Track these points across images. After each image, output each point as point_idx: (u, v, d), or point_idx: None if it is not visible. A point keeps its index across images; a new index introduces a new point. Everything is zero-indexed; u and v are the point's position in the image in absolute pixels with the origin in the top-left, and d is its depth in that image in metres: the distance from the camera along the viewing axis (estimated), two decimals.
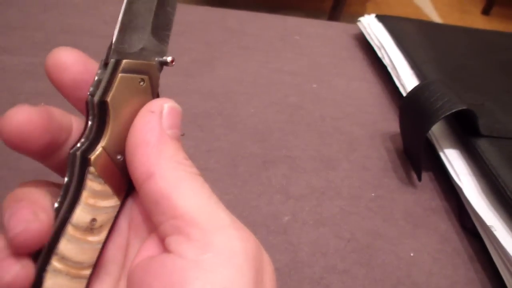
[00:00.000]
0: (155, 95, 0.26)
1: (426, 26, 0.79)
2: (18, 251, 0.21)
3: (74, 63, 0.25)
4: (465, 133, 0.52)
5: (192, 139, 0.52)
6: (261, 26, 0.79)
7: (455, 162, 0.51)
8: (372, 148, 0.57)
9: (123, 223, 0.26)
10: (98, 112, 0.24)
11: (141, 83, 0.25)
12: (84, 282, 0.23)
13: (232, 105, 0.58)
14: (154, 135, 0.24)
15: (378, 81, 0.70)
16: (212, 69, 0.64)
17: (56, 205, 0.23)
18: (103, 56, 0.25)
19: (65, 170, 0.23)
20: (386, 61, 0.69)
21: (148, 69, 0.26)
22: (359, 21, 0.79)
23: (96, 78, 0.24)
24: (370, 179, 0.52)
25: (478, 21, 2.95)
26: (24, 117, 0.22)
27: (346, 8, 2.42)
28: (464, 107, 0.49)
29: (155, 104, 0.25)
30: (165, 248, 0.23)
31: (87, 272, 0.23)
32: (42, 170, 0.44)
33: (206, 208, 0.23)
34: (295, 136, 0.56)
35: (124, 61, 0.25)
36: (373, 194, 0.50)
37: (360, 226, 0.47)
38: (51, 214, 0.22)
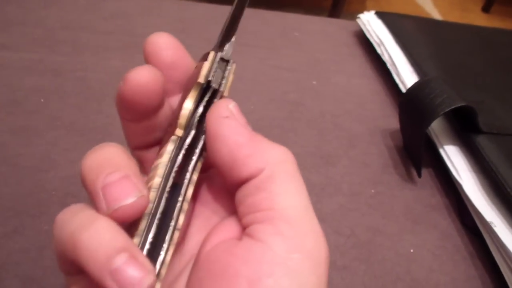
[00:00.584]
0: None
1: (426, 23, 0.78)
2: (112, 218, 0.21)
3: (171, 47, 0.27)
4: (465, 130, 0.52)
5: None
6: (261, 23, 0.79)
7: (455, 158, 0.51)
8: (372, 145, 0.57)
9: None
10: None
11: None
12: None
13: None
14: (244, 135, 0.24)
15: (377, 78, 0.70)
16: None
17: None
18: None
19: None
20: (385, 58, 0.69)
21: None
22: (359, 18, 0.79)
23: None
24: (370, 176, 0.52)
25: (478, 19, 2.95)
26: (152, 75, 0.24)
27: (346, 6, 2.42)
28: (464, 104, 0.48)
29: (223, 109, 0.24)
30: (247, 233, 0.23)
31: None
32: (42, 166, 0.45)
33: (303, 209, 0.23)
34: (294, 133, 0.56)
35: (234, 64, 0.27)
36: (373, 191, 0.50)
37: (360, 222, 0.47)
38: (147, 190, 0.22)
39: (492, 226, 0.43)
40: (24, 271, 0.36)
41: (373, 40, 0.73)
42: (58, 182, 0.43)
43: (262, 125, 0.55)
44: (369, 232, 0.46)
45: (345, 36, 0.81)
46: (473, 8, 3.15)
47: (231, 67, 0.26)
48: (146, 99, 0.24)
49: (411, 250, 0.45)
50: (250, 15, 0.79)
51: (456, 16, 2.90)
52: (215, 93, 0.26)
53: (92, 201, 0.22)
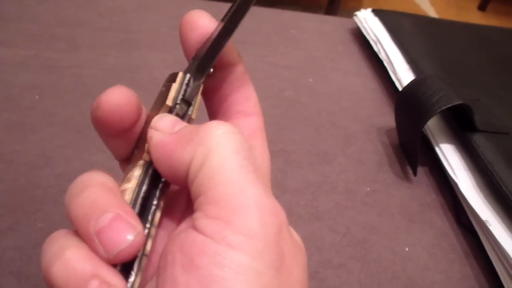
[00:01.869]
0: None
1: (423, 21, 0.78)
2: (113, 263, 0.21)
3: (205, 24, 0.27)
4: (461, 128, 0.52)
5: None
6: (258, 20, 0.78)
7: (450, 157, 0.51)
8: (368, 143, 0.57)
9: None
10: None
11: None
12: None
13: None
14: (165, 140, 0.23)
15: (374, 76, 0.70)
16: None
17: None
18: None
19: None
20: (382, 56, 0.69)
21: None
22: (356, 15, 0.79)
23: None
24: (365, 174, 0.52)
25: (474, 17, 2.95)
26: (124, 96, 0.24)
27: (342, 4, 2.42)
28: (460, 102, 0.48)
29: (149, 133, 0.24)
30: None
31: None
32: (37, 163, 0.44)
33: (233, 186, 0.21)
34: (291, 131, 0.56)
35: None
36: (368, 189, 0.50)
37: (356, 220, 0.47)
38: (139, 220, 0.22)
39: (488, 225, 0.43)
40: (19, 268, 0.36)
41: (370, 37, 0.73)
42: (53, 179, 0.43)
43: None
44: (364, 230, 0.46)
45: (342, 33, 0.81)
46: (469, 6, 3.16)
47: (199, 91, 0.26)
48: (119, 120, 0.24)
49: (407, 249, 0.45)
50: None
51: (452, 15, 2.90)
52: (183, 117, 0.25)
53: (88, 246, 0.21)
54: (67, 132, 0.49)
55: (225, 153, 0.22)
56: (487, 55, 0.70)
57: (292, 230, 0.24)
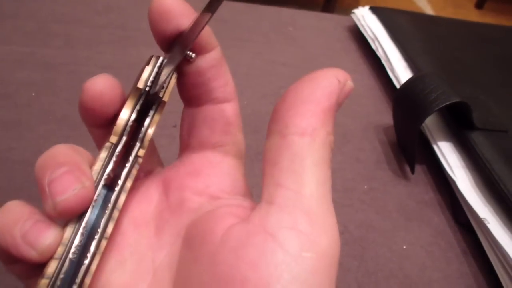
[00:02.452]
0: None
1: (420, 18, 0.78)
2: (57, 217, 0.22)
3: (179, 14, 0.25)
4: (459, 126, 0.52)
5: None
6: (255, 18, 0.78)
7: (448, 155, 0.51)
8: (366, 141, 0.57)
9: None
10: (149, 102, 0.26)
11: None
12: None
13: None
14: (329, 101, 0.23)
15: (371, 73, 0.70)
16: None
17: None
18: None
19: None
20: (380, 53, 0.69)
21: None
22: (353, 13, 0.79)
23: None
24: (363, 172, 0.52)
25: (471, 15, 2.96)
26: (107, 84, 0.24)
27: (339, 1, 2.42)
28: (458, 100, 0.48)
29: (342, 75, 0.24)
30: (265, 203, 0.22)
31: None
32: (33, 160, 0.44)
33: (324, 199, 0.22)
34: None
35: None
36: (366, 187, 0.50)
37: (353, 218, 0.47)
38: (93, 180, 0.23)
39: (486, 223, 0.43)
40: None
41: (368, 35, 0.73)
42: None
43: (255, 120, 0.55)
44: (362, 228, 0.46)
45: (340, 31, 0.81)
46: (466, 4, 3.16)
47: (173, 74, 0.26)
48: (101, 107, 0.25)
49: (404, 247, 0.45)
50: (244, 9, 0.79)
51: (449, 13, 2.90)
52: (154, 100, 0.25)
53: (41, 200, 0.23)
54: (64, 129, 0.49)
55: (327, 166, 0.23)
56: (485, 53, 0.70)
57: None
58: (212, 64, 0.27)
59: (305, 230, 0.21)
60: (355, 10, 0.79)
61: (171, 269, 0.24)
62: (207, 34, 0.26)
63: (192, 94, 0.27)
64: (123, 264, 0.24)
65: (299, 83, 0.24)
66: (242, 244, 0.21)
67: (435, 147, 0.52)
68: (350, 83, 0.24)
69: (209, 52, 0.26)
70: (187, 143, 0.28)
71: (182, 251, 0.24)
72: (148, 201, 0.26)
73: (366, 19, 0.75)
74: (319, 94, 0.23)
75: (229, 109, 0.28)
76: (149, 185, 0.27)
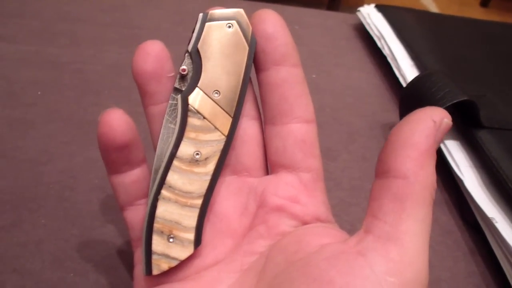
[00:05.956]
0: (248, 35, 0.31)
1: (426, 16, 0.78)
2: None
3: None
4: (466, 125, 0.52)
5: None
6: None
7: (455, 153, 0.51)
8: (372, 139, 0.56)
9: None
10: (193, 60, 0.28)
11: (229, 28, 0.30)
12: (195, 211, 0.27)
13: None
14: (427, 144, 0.24)
15: (377, 72, 0.70)
16: None
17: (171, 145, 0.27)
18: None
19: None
20: (386, 52, 0.68)
21: (234, 15, 0.31)
22: (359, 11, 0.79)
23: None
24: (370, 170, 0.52)
25: (476, 13, 2.95)
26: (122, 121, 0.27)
27: (344, 0, 2.42)
28: (466, 98, 0.48)
29: (438, 115, 0.25)
30: (363, 233, 0.24)
31: (198, 201, 0.27)
32: (39, 159, 0.44)
33: (421, 239, 0.23)
34: None
35: (210, 12, 0.30)
36: None
37: (361, 217, 0.46)
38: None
39: (494, 222, 0.43)
40: (22, 265, 0.35)
41: (373, 33, 0.73)
42: (56, 175, 0.43)
43: None
44: None
45: (345, 29, 0.80)
46: (471, 2, 3.15)
47: (202, 19, 0.30)
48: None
49: None
50: (249, 8, 0.79)
51: (454, 11, 2.90)
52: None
53: None
54: (70, 128, 0.48)
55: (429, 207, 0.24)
56: (491, 51, 0.70)
57: None
58: (298, 81, 0.30)
59: (394, 259, 0.22)
60: (361, 8, 0.79)
61: (256, 275, 0.26)
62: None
63: (274, 106, 0.30)
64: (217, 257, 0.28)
65: (399, 126, 0.25)
66: (335, 256, 0.23)
67: (442, 146, 0.52)
68: (446, 121, 0.25)
69: (297, 67, 0.30)
70: (276, 161, 0.31)
71: (271, 254, 0.27)
72: (247, 214, 0.30)
73: (372, 17, 0.75)
74: (417, 138, 0.24)
75: (315, 131, 0.32)
76: (249, 195, 0.30)
